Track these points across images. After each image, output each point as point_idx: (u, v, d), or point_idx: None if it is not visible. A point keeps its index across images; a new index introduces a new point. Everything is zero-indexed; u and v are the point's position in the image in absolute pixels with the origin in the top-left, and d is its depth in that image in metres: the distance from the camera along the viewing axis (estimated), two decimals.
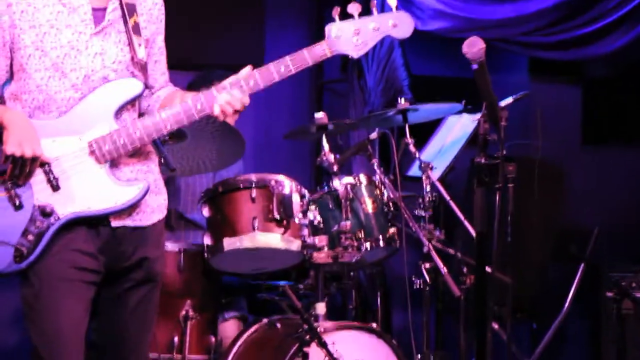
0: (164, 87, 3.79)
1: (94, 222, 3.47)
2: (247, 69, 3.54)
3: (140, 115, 3.65)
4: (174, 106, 3.51)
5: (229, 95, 3.48)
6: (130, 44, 3.55)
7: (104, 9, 3.53)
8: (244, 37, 6.72)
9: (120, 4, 3.54)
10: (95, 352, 3.58)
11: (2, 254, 3.39)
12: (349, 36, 3.61)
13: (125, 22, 3.54)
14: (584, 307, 6.58)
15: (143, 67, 3.60)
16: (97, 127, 3.47)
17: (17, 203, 3.39)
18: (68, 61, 3.47)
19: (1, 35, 3.47)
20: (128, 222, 3.53)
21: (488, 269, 3.74)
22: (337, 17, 3.64)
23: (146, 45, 3.62)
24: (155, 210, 3.63)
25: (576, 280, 6.46)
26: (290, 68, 3.56)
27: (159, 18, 3.71)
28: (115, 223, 3.50)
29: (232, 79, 3.53)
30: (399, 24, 3.66)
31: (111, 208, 3.47)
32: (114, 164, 3.50)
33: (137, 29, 3.57)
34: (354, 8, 3.64)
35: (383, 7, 3.74)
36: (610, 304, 6.24)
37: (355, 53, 3.65)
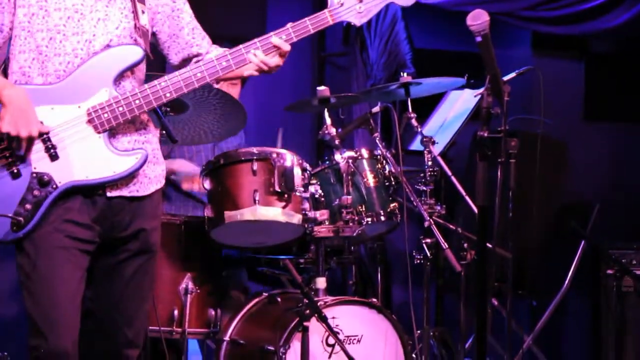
0: (212, 50, 3.77)
1: (90, 191, 3.45)
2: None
3: None
4: (174, 75, 3.49)
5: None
6: (135, 11, 3.52)
7: None
8: (245, 8, 6.68)
9: None
10: (91, 321, 3.56)
11: (0, 223, 3.37)
12: (351, 4, 3.59)
13: None
14: (584, 284, 6.58)
15: (145, 34, 3.57)
16: (97, 94, 3.44)
17: (15, 171, 3.37)
18: (71, 24, 3.44)
19: None
20: (124, 192, 3.52)
21: (489, 245, 3.73)
22: None
23: (151, 14, 3.59)
24: (152, 180, 3.61)
25: (576, 257, 6.46)
26: (292, 36, 3.56)
27: None
28: (111, 193, 3.49)
29: (234, 49, 3.53)
30: None
31: (109, 177, 3.45)
32: (112, 133, 3.47)
33: None
34: None
35: None
36: (610, 281, 6.24)
37: (357, 21, 3.64)
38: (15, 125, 3.32)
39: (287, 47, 3.57)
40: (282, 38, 3.56)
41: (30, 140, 3.35)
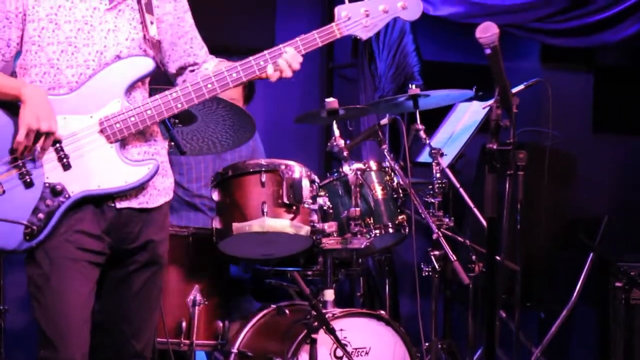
0: (208, 61, 3.78)
1: (101, 202, 3.46)
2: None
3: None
4: (185, 85, 3.51)
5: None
6: (143, 21, 3.54)
7: None
8: (254, 21, 6.70)
9: None
10: (99, 333, 3.56)
11: (12, 232, 3.37)
12: (358, 18, 3.62)
13: (139, 0, 3.54)
14: (593, 297, 6.56)
15: (155, 45, 3.58)
16: (109, 105, 3.46)
17: (28, 181, 3.38)
18: (81, 36, 3.46)
19: (15, 5, 3.45)
20: (134, 203, 3.52)
21: (497, 257, 3.73)
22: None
23: (159, 24, 3.61)
24: (161, 192, 3.62)
25: (585, 270, 6.44)
26: (300, 49, 3.59)
27: None
28: (120, 204, 3.49)
29: (244, 61, 3.54)
30: (408, 6, 3.68)
31: (121, 187, 3.46)
32: (122, 144, 3.49)
33: (149, 7, 3.57)
34: None
35: None
36: (618, 294, 6.22)
37: (364, 35, 3.67)
38: (36, 119, 3.33)
39: (298, 59, 3.60)
40: (291, 51, 3.58)
41: (49, 136, 3.36)
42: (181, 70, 3.76)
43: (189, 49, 3.74)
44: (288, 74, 3.58)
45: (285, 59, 3.55)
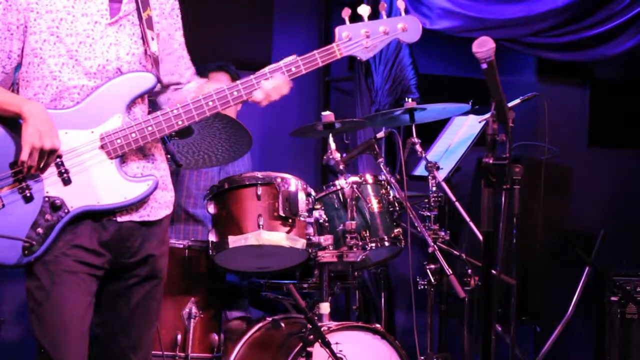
0: (192, 81, 3.79)
1: (101, 216, 3.46)
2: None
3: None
4: (186, 102, 3.51)
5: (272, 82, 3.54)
6: (144, 37, 3.54)
7: (120, 1, 3.53)
8: (252, 35, 6.71)
9: None
10: (97, 346, 3.56)
11: (11, 247, 3.37)
12: (358, 38, 3.63)
13: (140, 16, 3.54)
14: (588, 311, 6.56)
15: (155, 61, 3.59)
16: (110, 120, 3.46)
17: (28, 195, 3.37)
18: (83, 49, 3.46)
19: (17, 17, 3.45)
20: (135, 216, 3.52)
21: (493, 271, 3.72)
22: (347, 19, 3.65)
23: (158, 40, 3.62)
24: (162, 206, 3.61)
25: (581, 284, 6.44)
26: (301, 69, 3.59)
27: (173, 13, 3.71)
28: (121, 218, 3.49)
29: (245, 79, 3.56)
30: (408, 28, 3.70)
31: (120, 203, 3.45)
32: (122, 159, 3.49)
33: (150, 23, 3.57)
34: (364, 10, 3.65)
35: (391, 8, 3.74)
36: (614, 308, 6.22)
37: (364, 55, 3.68)
38: (39, 137, 3.32)
39: (288, 86, 3.60)
40: (291, 70, 3.58)
41: (52, 154, 3.36)
42: (164, 87, 3.76)
43: (174, 68, 3.74)
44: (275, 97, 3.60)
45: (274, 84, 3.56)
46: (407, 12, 3.76)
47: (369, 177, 4.96)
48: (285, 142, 6.54)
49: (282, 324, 4.70)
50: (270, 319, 4.75)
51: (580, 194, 7.13)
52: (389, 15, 3.74)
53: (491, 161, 3.47)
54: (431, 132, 6.20)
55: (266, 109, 6.56)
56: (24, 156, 3.32)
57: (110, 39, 3.50)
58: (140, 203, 3.50)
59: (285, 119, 6.74)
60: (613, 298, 6.23)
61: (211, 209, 4.60)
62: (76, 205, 3.40)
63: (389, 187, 5.00)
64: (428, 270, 5.08)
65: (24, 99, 3.43)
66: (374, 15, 3.70)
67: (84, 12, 3.48)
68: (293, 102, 6.90)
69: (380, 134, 5.34)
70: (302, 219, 4.53)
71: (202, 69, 5.39)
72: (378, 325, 4.70)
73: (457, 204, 5.31)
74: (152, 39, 3.56)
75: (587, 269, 6.42)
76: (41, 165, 3.36)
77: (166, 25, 3.68)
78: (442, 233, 5.15)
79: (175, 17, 3.72)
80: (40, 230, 3.37)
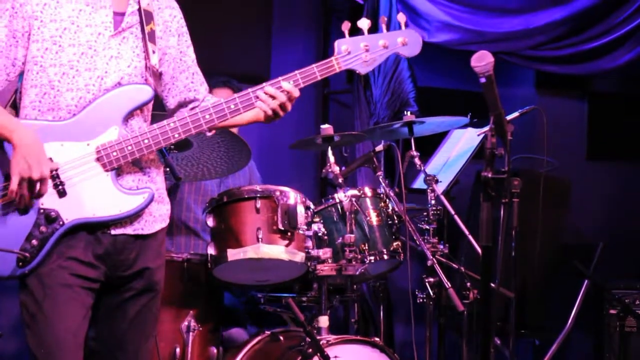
0: (208, 97, 3.78)
1: (95, 229, 3.46)
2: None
3: None
4: (183, 116, 3.51)
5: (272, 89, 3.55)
6: (145, 50, 3.54)
7: (124, 14, 3.53)
8: (251, 47, 6.72)
9: (139, 10, 3.54)
10: None
11: (6, 259, 3.36)
12: (358, 52, 3.63)
13: (143, 29, 3.55)
14: (587, 324, 6.56)
15: (155, 75, 3.59)
16: (106, 132, 3.46)
17: (23, 207, 3.37)
18: (84, 60, 3.46)
19: (22, 24, 3.45)
20: (129, 230, 3.51)
21: (492, 284, 3.72)
22: (346, 33, 3.65)
23: (160, 54, 3.61)
24: (157, 219, 3.61)
25: (579, 297, 6.43)
26: (299, 82, 3.59)
27: (182, 30, 3.71)
28: (115, 231, 3.49)
29: (241, 92, 3.56)
30: (408, 42, 3.69)
31: (115, 215, 3.45)
32: (117, 171, 3.48)
33: (152, 37, 3.57)
34: (363, 23, 3.65)
35: (390, 21, 3.73)
36: (613, 321, 6.22)
37: (363, 69, 3.68)
38: (27, 167, 3.31)
39: (296, 93, 3.61)
40: (290, 84, 3.58)
41: (42, 182, 3.35)
42: (180, 106, 3.75)
43: (190, 84, 3.74)
44: (272, 107, 3.61)
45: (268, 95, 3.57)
46: (407, 25, 3.75)
47: (367, 190, 4.95)
48: (284, 155, 6.54)
49: (281, 338, 4.69)
50: (269, 332, 4.74)
51: (579, 207, 7.13)
52: (388, 28, 3.73)
53: (490, 175, 3.47)
54: (430, 145, 6.21)
55: None
56: (14, 186, 3.32)
57: (112, 51, 3.50)
58: (135, 216, 3.50)
59: (284, 132, 6.74)
60: (612, 311, 6.23)
61: (210, 222, 4.60)
62: (71, 218, 3.40)
63: (387, 200, 5.00)
64: (427, 284, 5.07)
65: (17, 123, 3.39)
66: (374, 28, 3.70)
67: (88, 23, 3.48)
68: (292, 115, 6.80)
69: (379, 147, 5.34)
70: (301, 232, 4.53)
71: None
72: (377, 339, 4.69)
73: (456, 217, 5.31)
74: (153, 52, 3.56)
75: (585, 282, 6.42)
76: (34, 194, 3.35)
77: (174, 43, 3.68)
78: (441, 246, 5.15)
79: (185, 35, 3.72)
80: (34, 242, 3.37)
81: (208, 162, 4.70)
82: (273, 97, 3.57)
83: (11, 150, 3.35)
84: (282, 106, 3.61)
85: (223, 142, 4.57)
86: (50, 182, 3.39)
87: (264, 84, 3.58)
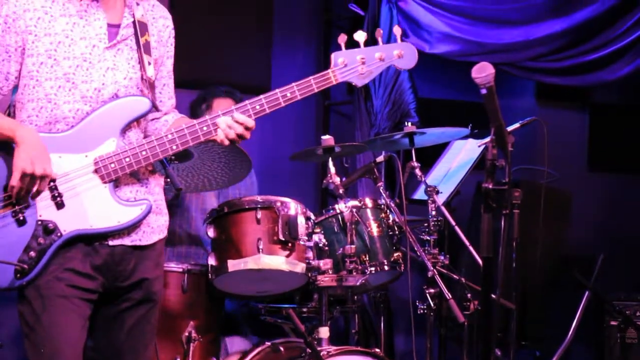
0: (170, 112, 3.78)
1: (93, 240, 3.46)
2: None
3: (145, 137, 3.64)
4: (181, 127, 3.51)
5: (230, 118, 3.49)
6: (141, 62, 3.55)
7: (119, 26, 3.54)
8: (251, 58, 6.72)
9: (134, 22, 3.55)
10: None
11: (3, 270, 3.37)
12: (354, 65, 3.64)
13: (137, 41, 3.55)
14: (588, 335, 6.55)
15: (151, 86, 3.60)
16: (104, 144, 3.46)
17: (21, 218, 3.38)
18: (80, 73, 3.47)
19: (15, 39, 3.46)
20: (126, 241, 3.52)
21: (493, 295, 3.72)
22: (343, 45, 3.67)
23: (155, 65, 3.62)
24: (155, 230, 3.61)
25: (580, 308, 6.43)
26: (296, 94, 3.59)
27: (169, 41, 3.73)
28: (113, 242, 3.49)
29: (240, 103, 3.55)
30: (404, 55, 3.72)
31: (113, 227, 3.46)
32: (115, 183, 3.49)
33: (147, 48, 3.58)
34: (360, 36, 3.67)
35: (390, 32, 3.74)
36: (614, 333, 6.21)
37: (359, 82, 3.69)
38: (31, 163, 3.32)
39: (251, 124, 3.54)
40: (286, 96, 3.57)
41: (44, 179, 3.36)
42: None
43: (158, 95, 3.73)
44: (231, 134, 3.53)
45: (223, 126, 3.51)
46: (403, 38, 3.76)
47: (368, 201, 4.95)
48: (284, 166, 6.53)
49: (282, 348, 4.68)
50: (269, 343, 4.73)
51: (579, 218, 7.13)
52: (389, 40, 3.74)
53: (491, 186, 3.47)
54: (431, 156, 6.21)
55: (266, 132, 6.61)
56: (14, 181, 3.32)
57: (107, 63, 3.50)
58: (133, 227, 3.50)
59: (284, 143, 6.75)
60: (613, 322, 6.23)
61: (211, 232, 4.60)
62: (69, 229, 3.40)
63: (388, 211, 4.99)
64: (427, 295, 5.06)
65: (18, 123, 3.43)
66: (371, 41, 3.71)
67: (82, 36, 3.49)
68: (293, 125, 6.90)
69: (380, 158, 5.34)
70: (301, 243, 4.53)
71: (205, 93, 5.40)
72: (377, 350, 4.69)
73: (456, 228, 5.30)
74: (149, 63, 3.57)
75: (586, 293, 6.41)
76: (33, 191, 3.35)
77: (162, 52, 3.69)
78: (442, 257, 5.14)
79: (170, 46, 3.73)
80: (32, 253, 3.37)
81: (209, 172, 4.70)
82: (229, 127, 3.54)
83: (8, 161, 3.36)
84: (240, 136, 3.56)
85: (224, 153, 4.57)
86: (48, 194, 3.39)
87: (261, 96, 3.57)
